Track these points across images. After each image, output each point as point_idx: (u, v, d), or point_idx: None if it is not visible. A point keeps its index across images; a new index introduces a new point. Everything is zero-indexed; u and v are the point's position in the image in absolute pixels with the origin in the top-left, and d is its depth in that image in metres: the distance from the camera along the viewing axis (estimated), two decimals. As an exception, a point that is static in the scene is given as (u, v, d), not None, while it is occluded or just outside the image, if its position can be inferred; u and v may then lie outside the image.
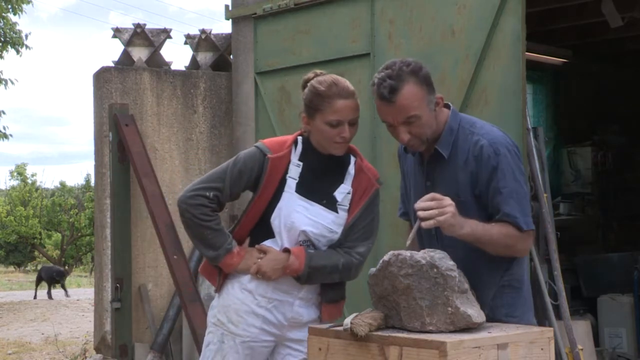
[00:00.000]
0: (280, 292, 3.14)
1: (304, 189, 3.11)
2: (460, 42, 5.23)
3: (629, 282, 6.89)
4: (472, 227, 2.67)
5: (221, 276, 3.19)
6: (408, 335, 2.46)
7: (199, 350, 6.01)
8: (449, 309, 2.48)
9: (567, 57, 7.91)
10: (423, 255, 2.53)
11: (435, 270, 2.50)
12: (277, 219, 3.10)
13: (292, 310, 3.15)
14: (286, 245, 3.10)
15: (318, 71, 3.20)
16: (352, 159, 3.18)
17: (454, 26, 5.25)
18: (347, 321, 2.53)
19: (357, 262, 3.15)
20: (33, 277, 26.58)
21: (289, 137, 3.18)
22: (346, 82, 3.09)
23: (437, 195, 2.65)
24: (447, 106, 2.89)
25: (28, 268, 30.38)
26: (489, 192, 2.74)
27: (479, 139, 2.77)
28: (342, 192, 3.13)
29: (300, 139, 3.17)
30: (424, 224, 2.60)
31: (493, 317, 2.73)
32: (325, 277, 3.12)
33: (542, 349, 2.56)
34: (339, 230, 3.13)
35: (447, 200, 2.63)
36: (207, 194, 3.09)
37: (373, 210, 3.18)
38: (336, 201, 3.13)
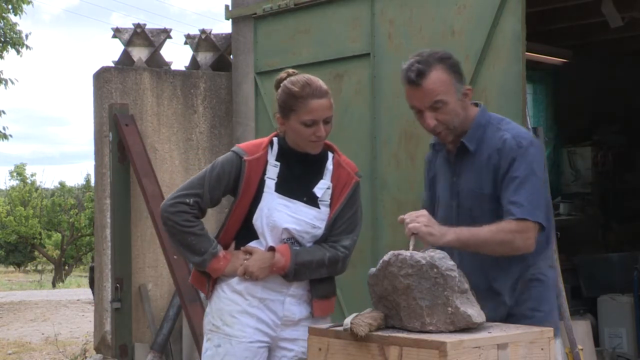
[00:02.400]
0: (269, 291, 3.16)
1: (283, 188, 3.14)
2: (460, 42, 5.24)
3: (629, 282, 6.89)
4: (456, 234, 2.68)
5: (210, 282, 3.21)
6: (408, 335, 2.46)
7: (199, 351, 6.01)
8: (449, 309, 2.48)
9: (567, 57, 7.91)
10: (423, 255, 2.54)
11: (435, 270, 2.50)
12: (259, 220, 3.12)
13: (284, 308, 3.17)
14: (271, 244, 3.12)
15: (290, 71, 3.22)
16: (330, 155, 3.24)
17: (454, 26, 5.25)
18: (347, 321, 2.53)
19: (343, 255, 3.17)
20: (33, 277, 26.61)
21: (265, 139, 3.22)
22: (319, 82, 3.13)
23: (411, 214, 2.72)
24: (477, 105, 2.94)
25: (28, 268, 30.37)
26: (505, 181, 2.73)
27: (503, 133, 2.80)
28: (322, 188, 3.16)
29: (275, 139, 3.21)
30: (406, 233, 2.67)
31: (517, 311, 2.74)
32: (312, 272, 3.14)
33: (542, 349, 2.56)
34: (322, 225, 3.16)
35: (421, 212, 2.71)
36: (187, 200, 3.12)
37: (355, 203, 3.21)
38: (317, 197, 3.16)
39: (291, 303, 3.18)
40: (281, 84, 3.16)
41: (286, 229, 3.12)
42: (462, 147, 2.86)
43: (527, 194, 2.68)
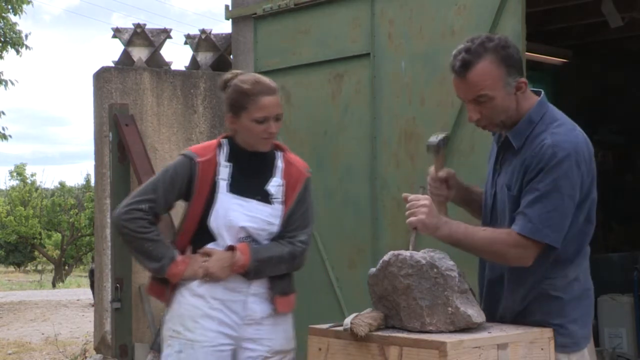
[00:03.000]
0: (230, 292, 3.17)
1: (236, 188, 3.17)
2: (460, 42, 5.23)
3: (629, 282, 6.88)
4: (450, 230, 2.60)
5: (169, 289, 3.20)
6: (408, 335, 2.46)
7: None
8: (449, 309, 2.48)
9: (567, 57, 7.91)
10: (423, 256, 2.54)
11: (435, 270, 2.50)
12: (215, 221, 3.14)
13: (246, 307, 3.18)
14: (229, 244, 3.14)
15: (236, 71, 3.26)
16: (279, 154, 3.27)
17: (454, 26, 5.25)
18: (347, 321, 2.53)
19: (300, 250, 3.22)
20: (33, 277, 26.61)
21: (213, 141, 3.25)
22: (267, 79, 3.18)
23: (415, 196, 2.63)
24: (538, 93, 2.73)
25: (28, 268, 30.39)
26: (526, 189, 2.57)
27: (546, 137, 2.57)
28: (274, 185, 3.21)
29: (225, 141, 3.24)
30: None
31: (524, 321, 2.63)
32: (272, 269, 3.18)
33: (542, 349, 2.56)
34: (277, 222, 3.19)
35: (423, 200, 2.61)
36: (142, 206, 3.13)
37: (307, 198, 3.27)
38: (270, 195, 3.20)
39: (253, 302, 3.19)
40: (229, 84, 3.18)
41: (243, 228, 3.15)
42: (507, 142, 2.70)
43: (541, 210, 2.51)
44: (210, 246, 3.16)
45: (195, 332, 3.14)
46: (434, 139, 2.82)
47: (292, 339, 3.33)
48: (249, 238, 3.17)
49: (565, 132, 2.60)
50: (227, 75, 3.23)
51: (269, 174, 3.23)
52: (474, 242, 2.59)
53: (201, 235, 3.17)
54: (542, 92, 2.74)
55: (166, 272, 3.14)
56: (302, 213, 3.25)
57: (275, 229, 3.20)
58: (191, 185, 3.15)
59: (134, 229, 3.12)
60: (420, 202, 2.61)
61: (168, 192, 3.16)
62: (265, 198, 3.19)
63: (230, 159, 3.19)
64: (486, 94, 2.59)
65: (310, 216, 3.29)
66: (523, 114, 2.66)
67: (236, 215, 3.14)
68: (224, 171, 3.17)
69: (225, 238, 3.15)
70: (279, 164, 3.25)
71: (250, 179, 3.20)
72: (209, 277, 3.12)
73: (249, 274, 3.14)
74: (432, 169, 2.86)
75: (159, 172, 3.23)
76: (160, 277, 3.19)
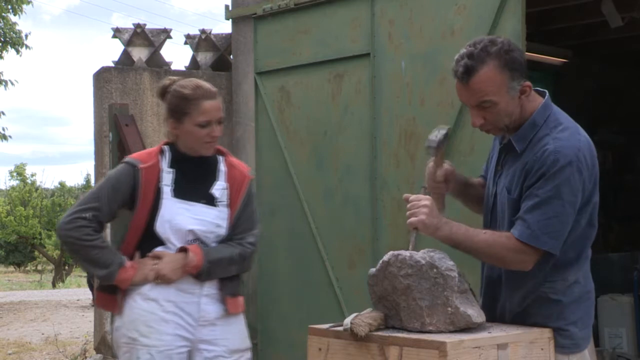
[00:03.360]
0: (183, 294, 3.18)
1: (181, 193, 3.18)
2: (460, 42, 5.19)
3: (629, 282, 6.88)
4: (451, 231, 2.58)
5: (120, 296, 3.21)
6: (408, 335, 2.45)
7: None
8: (449, 309, 2.48)
9: (567, 57, 7.91)
10: (423, 256, 2.53)
11: (435, 270, 2.50)
12: (162, 226, 3.15)
13: (200, 309, 3.20)
14: (178, 247, 3.16)
15: (173, 77, 3.30)
16: (221, 158, 3.31)
17: (454, 26, 5.25)
18: (347, 321, 2.53)
19: (250, 251, 3.28)
20: (33, 277, 26.61)
21: (154, 148, 3.27)
22: (208, 84, 3.23)
23: (416, 197, 2.62)
24: (542, 94, 2.69)
25: (28, 268, 30.37)
26: (526, 194, 2.55)
27: (548, 142, 2.54)
28: (219, 189, 3.24)
29: (166, 147, 3.25)
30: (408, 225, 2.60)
31: (523, 323, 2.63)
32: (223, 270, 3.21)
33: (542, 349, 2.56)
34: (225, 224, 3.23)
35: (424, 201, 2.59)
36: (85, 215, 3.12)
37: (252, 200, 3.34)
38: (215, 198, 3.23)
39: (206, 303, 3.22)
40: (169, 89, 3.21)
41: (191, 231, 3.17)
42: (510, 144, 2.66)
43: (540, 216, 2.49)
44: (159, 249, 3.17)
45: (150, 337, 3.14)
46: (434, 137, 2.80)
47: (247, 338, 3.37)
48: (197, 241, 3.19)
49: (568, 137, 2.56)
50: (165, 81, 3.27)
51: (212, 177, 3.25)
52: (473, 244, 2.58)
53: (149, 241, 3.18)
54: (547, 93, 2.71)
55: (115, 278, 3.14)
56: (249, 215, 3.30)
57: (223, 231, 3.23)
58: (135, 192, 3.15)
59: (78, 237, 3.11)
60: (422, 203, 2.60)
61: (111, 200, 3.16)
62: (211, 201, 3.22)
63: (172, 164, 3.21)
64: (489, 100, 2.56)
65: (256, 218, 3.35)
66: (527, 116, 2.63)
67: (182, 219, 3.15)
68: (167, 177, 3.18)
69: (174, 242, 3.16)
70: (222, 167, 3.28)
71: (193, 183, 3.22)
72: (160, 280, 3.13)
73: (201, 275, 3.16)
74: (430, 164, 2.85)
75: (102, 181, 3.24)
76: (109, 284, 3.18)
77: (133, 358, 3.16)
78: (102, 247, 3.14)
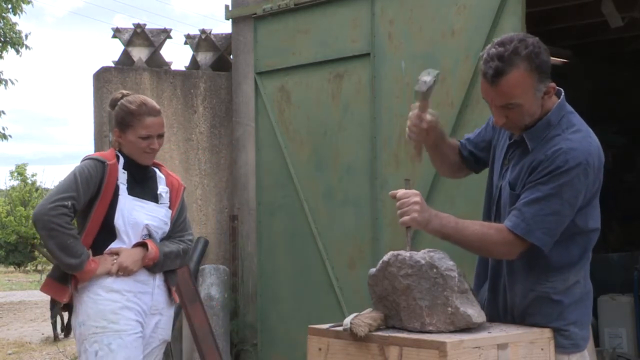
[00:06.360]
0: (140, 284, 3.48)
1: (134, 192, 3.50)
2: (460, 42, 5.23)
3: (629, 282, 6.89)
4: (441, 224, 2.58)
5: (72, 287, 3.40)
6: (408, 335, 2.46)
7: (199, 351, 6.01)
8: (449, 309, 2.48)
9: (567, 57, 7.91)
10: (422, 256, 2.53)
11: (434, 270, 2.50)
12: (121, 219, 3.43)
13: (153, 299, 3.52)
14: (133, 241, 3.45)
15: (124, 91, 3.62)
16: (157, 168, 3.67)
17: (454, 26, 5.25)
18: (347, 321, 2.53)
19: (189, 247, 3.68)
20: (33, 277, 26.60)
21: (110, 151, 3.59)
22: (153, 102, 3.55)
23: (404, 193, 2.60)
24: (558, 93, 2.68)
25: (28, 268, 30.37)
26: (528, 186, 2.55)
27: (560, 143, 2.54)
28: (163, 192, 3.60)
29: (117, 152, 3.57)
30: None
31: (524, 323, 2.64)
32: (171, 263, 3.56)
33: (542, 349, 2.56)
34: (169, 223, 3.59)
35: (413, 197, 2.57)
36: (66, 203, 3.32)
37: (185, 206, 3.74)
38: (161, 198, 3.59)
39: (158, 294, 3.54)
40: (117, 103, 3.53)
41: (147, 226, 3.49)
42: (521, 140, 2.65)
43: (536, 211, 2.50)
44: (113, 245, 3.43)
45: (119, 322, 3.37)
46: (423, 82, 2.74)
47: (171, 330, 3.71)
48: (149, 236, 3.51)
49: (580, 139, 2.56)
50: (116, 94, 3.60)
51: (155, 182, 3.61)
52: (463, 236, 2.59)
53: (104, 233, 3.43)
54: (562, 93, 2.70)
55: (83, 268, 3.34)
56: (185, 216, 3.70)
57: (167, 228, 3.58)
58: (101, 186, 3.41)
59: (60, 224, 3.29)
60: (412, 200, 2.58)
61: (85, 191, 3.38)
62: (157, 201, 3.57)
63: (125, 167, 3.51)
64: (516, 102, 2.55)
65: (189, 222, 3.75)
66: (543, 115, 2.63)
67: (139, 215, 3.47)
68: (123, 176, 3.48)
69: (130, 236, 3.45)
70: (160, 174, 3.65)
71: (142, 185, 3.55)
72: (122, 272, 3.40)
73: (156, 266, 3.49)
74: (415, 109, 2.80)
75: (73, 173, 3.42)
76: (74, 272, 3.36)
77: (103, 346, 3.34)
78: (76, 237, 3.36)
